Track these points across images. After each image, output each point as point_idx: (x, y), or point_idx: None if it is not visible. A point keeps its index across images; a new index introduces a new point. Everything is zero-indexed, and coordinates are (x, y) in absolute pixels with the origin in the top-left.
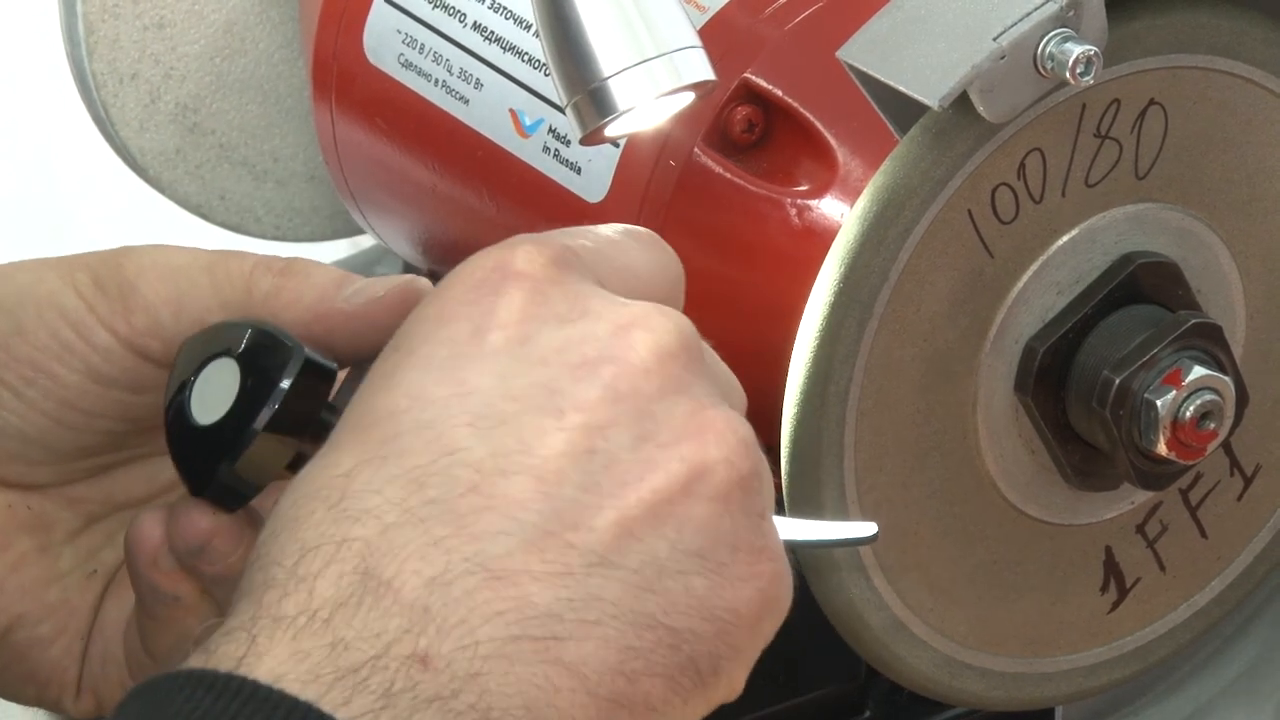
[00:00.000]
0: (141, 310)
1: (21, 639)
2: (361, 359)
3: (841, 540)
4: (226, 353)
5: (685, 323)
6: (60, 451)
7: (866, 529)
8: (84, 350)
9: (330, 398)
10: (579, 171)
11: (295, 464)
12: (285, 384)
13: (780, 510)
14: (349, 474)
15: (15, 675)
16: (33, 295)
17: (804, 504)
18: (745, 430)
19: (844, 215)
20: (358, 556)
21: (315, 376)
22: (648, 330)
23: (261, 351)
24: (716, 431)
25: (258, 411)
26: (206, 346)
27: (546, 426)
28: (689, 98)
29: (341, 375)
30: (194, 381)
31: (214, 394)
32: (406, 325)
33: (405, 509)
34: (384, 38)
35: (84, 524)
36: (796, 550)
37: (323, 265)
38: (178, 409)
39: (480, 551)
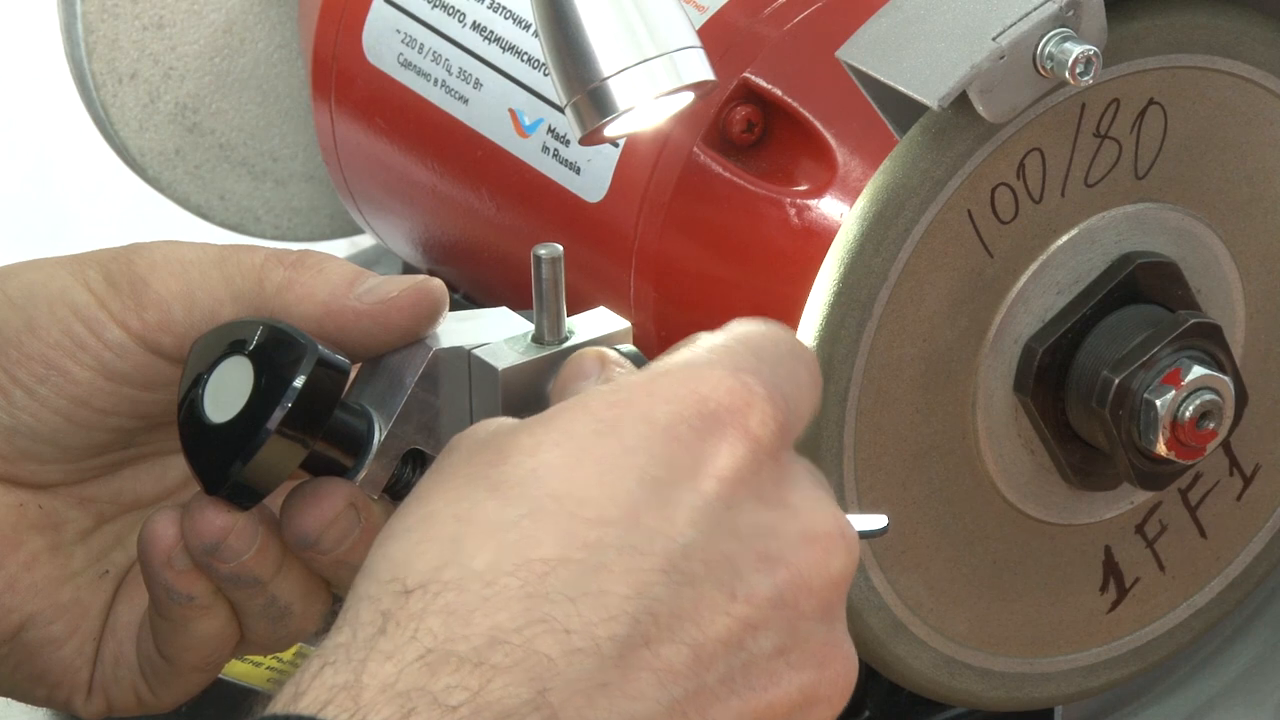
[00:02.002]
0: (153, 305)
1: (33, 638)
2: (372, 355)
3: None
4: (240, 350)
5: (855, 554)
6: (72, 449)
7: (877, 521)
8: (96, 346)
9: (343, 395)
10: (578, 171)
11: (309, 463)
12: (298, 383)
13: None
14: (550, 565)
15: (26, 675)
16: (44, 292)
17: None
18: (854, 672)
19: (844, 215)
20: (538, 672)
21: (329, 375)
22: (828, 553)
23: (274, 349)
24: (835, 671)
25: (271, 410)
26: (219, 344)
27: (719, 604)
28: (689, 98)
29: (354, 372)
30: (207, 379)
31: (228, 392)
32: (631, 407)
33: (592, 637)
34: (383, 37)
35: (95, 524)
36: None
37: (335, 260)
38: (190, 407)
39: (632, 713)
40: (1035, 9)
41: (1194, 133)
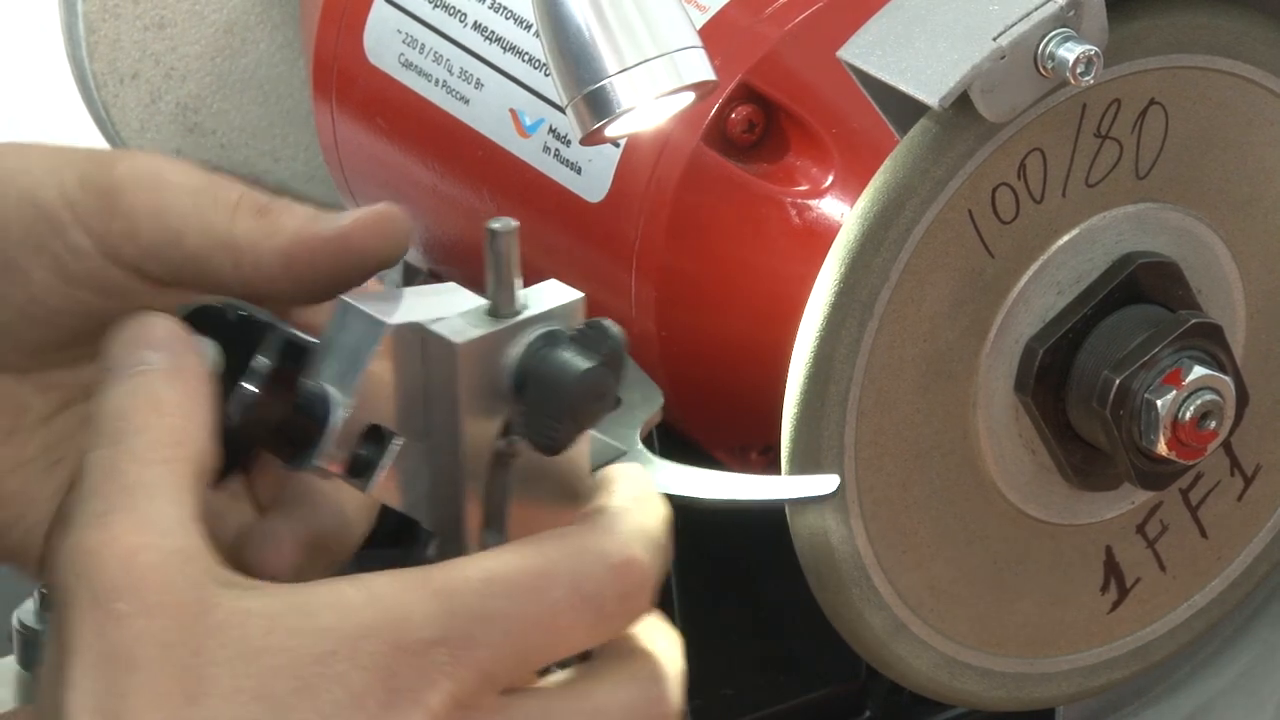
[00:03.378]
0: (122, 215)
1: None
2: (344, 288)
3: (802, 498)
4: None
5: None
6: (26, 342)
7: (828, 483)
8: (56, 248)
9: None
10: (579, 171)
11: (276, 439)
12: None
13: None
14: None
15: None
16: (14, 185)
17: (804, 503)
18: None
19: (844, 215)
20: None
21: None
22: None
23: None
24: None
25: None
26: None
27: None
28: (689, 98)
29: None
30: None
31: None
32: (333, 665)
33: None
34: (384, 38)
35: (57, 409)
36: (758, 508)
37: (301, 205)
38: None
39: None
40: (1036, 9)
41: (1195, 133)
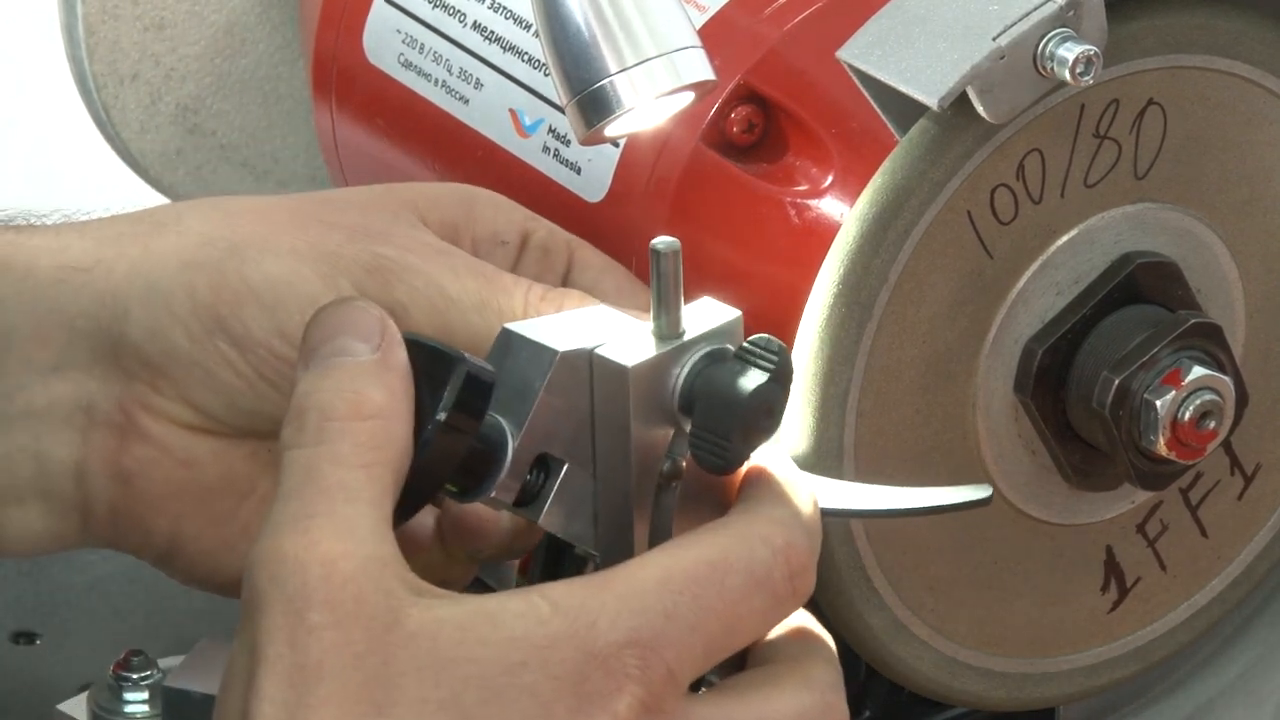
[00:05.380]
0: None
1: (180, 554)
2: None
3: (955, 504)
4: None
5: None
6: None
7: (981, 490)
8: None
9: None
10: (579, 171)
11: (458, 473)
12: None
13: None
14: None
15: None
16: (294, 296)
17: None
18: None
19: (843, 215)
20: None
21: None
22: None
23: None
24: None
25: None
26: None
27: None
28: (689, 98)
29: None
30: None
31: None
32: (522, 675)
33: None
34: (384, 38)
35: None
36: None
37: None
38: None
39: None
40: (1035, 9)
41: (1193, 133)
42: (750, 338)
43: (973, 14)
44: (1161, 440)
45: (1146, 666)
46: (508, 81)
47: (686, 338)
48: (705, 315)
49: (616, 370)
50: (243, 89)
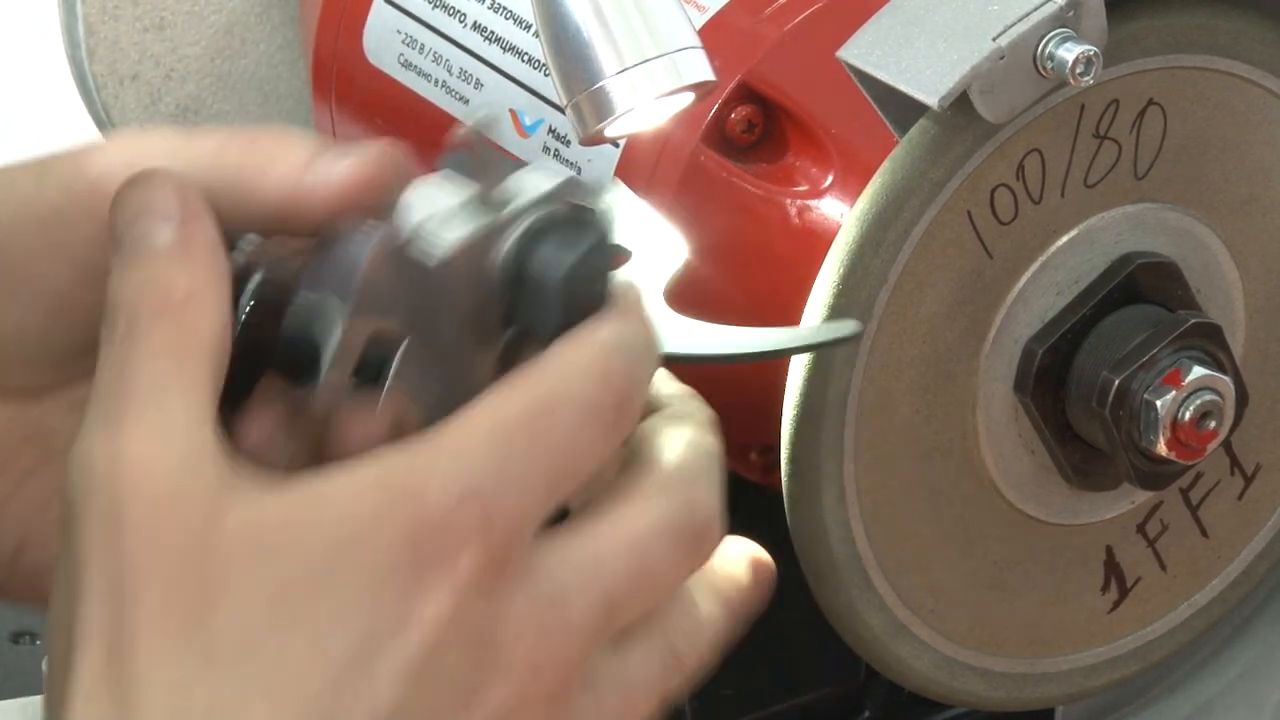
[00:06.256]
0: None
1: (29, 562)
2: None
3: (821, 342)
4: None
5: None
6: (58, 350)
7: (846, 327)
8: (71, 244)
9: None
10: (579, 171)
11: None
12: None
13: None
14: None
15: (36, 597)
16: (12, 198)
17: (803, 504)
18: None
19: (843, 215)
20: None
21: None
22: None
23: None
24: None
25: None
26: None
27: None
28: (689, 98)
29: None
30: None
31: None
32: (353, 551)
33: None
34: (384, 38)
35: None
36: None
37: (288, 142)
38: None
39: None
40: (1036, 9)
41: (1193, 133)
42: (572, 204)
43: (973, 14)
44: (1161, 440)
45: (1146, 667)
46: (508, 81)
47: (507, 211)
48: (534, 182)
49: (428, 251)
50: (243, 89)
